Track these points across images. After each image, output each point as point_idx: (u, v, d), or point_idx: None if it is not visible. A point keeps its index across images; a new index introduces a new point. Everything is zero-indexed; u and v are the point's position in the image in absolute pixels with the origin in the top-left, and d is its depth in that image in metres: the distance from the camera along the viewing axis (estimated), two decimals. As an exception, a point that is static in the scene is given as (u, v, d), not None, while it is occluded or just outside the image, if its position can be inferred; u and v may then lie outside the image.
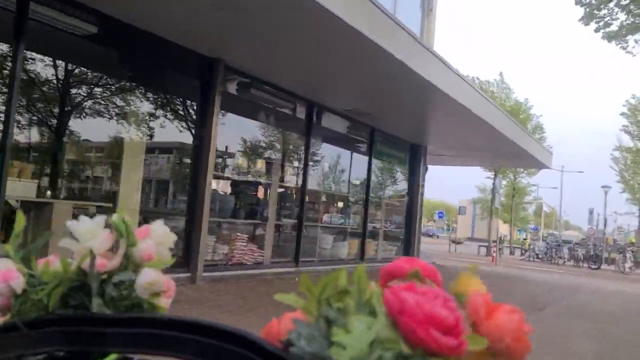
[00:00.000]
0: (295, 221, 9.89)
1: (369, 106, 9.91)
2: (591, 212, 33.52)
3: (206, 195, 7.23)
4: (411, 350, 0.37)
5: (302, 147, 9.97)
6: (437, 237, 38.70)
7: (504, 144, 12.30)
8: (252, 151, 9.50)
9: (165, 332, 0.43)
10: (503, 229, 58.41)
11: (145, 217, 7.06)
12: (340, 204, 12.36)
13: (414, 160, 14.07)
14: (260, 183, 9.84)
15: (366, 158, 12.16)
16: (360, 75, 7.87)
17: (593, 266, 23.41)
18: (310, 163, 9.39)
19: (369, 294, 0.43)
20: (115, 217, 0.52)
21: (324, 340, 0.40)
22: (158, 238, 0.52)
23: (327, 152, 11.43)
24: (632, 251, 23.22)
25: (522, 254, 28.03)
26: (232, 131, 8.77)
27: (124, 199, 7.03)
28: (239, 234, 8.51)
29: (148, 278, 0.50)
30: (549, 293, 11.22)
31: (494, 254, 21.26)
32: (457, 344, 0.36)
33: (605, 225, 30.68)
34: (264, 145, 9.65)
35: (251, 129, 9.43)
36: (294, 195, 9.88)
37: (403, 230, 14.32)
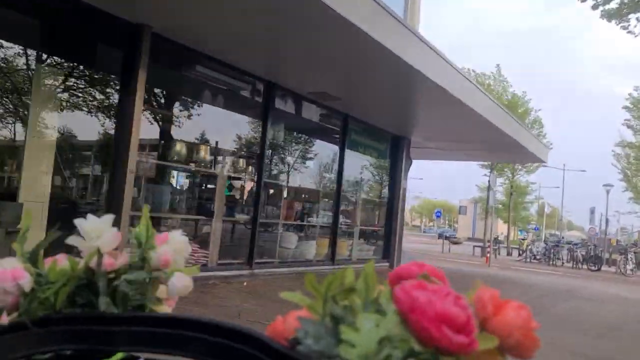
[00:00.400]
0: (248, 217, 9.15)
1: (340, 90, 9.31)
2: (592, 211, 34.91)
3: (127, 184, 6.45)
4: (422, 348, 0.38)
5: (258, 134, 9.22)
6: (451, 237, 37.41)
7: (495, 136, 11.92)
8: (193, 136, 8.73)
9: (172, 330, 0.44)
10: (503, 228, 56.98)
11: (54, 210, 6.33)
12: (308, 199, 11.62)
13: (396, 152, 13.48)
14: (203, 173, 8.98)
15: (338, 148, 11.51)
16: (327, 54, 7.45)
17: (593, 268, 23.00)
18: (268, 152, 7.97)
19: (377, 292, 0.43)
20: (142, 219, 0.54)
21: (331, 338, 0.40)
22: (175, 245, 0.55)
23: (290, 140, 10.90)
24: (635, 252, 22.99)
25: (519, 255, 27.92)
26: (166, 112, 8.33)
27: (27, 189, 6.19)
28: (174, 230, 6.53)
29: (184, 281, 0.53)
30: (539, 299, 10.04)
31: (488, 255, 21.04)
32: (468, 342, 0.38)
33: (607, 225, 31.89)
34: (209, 129, 8.88)
35: (192, 110, 8.89)
36: (248, 189, 8.08)
37: (383, 228, 13.62)
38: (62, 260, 0.50)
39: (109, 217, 0.52)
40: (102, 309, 0.48)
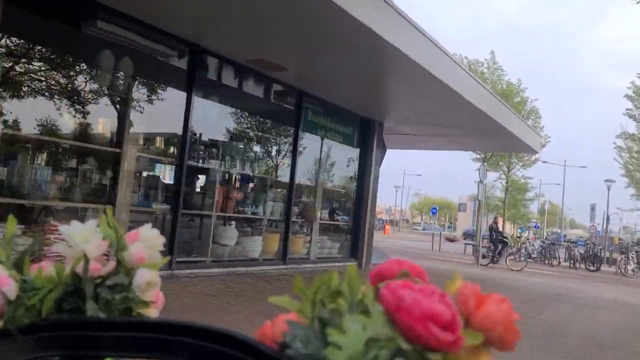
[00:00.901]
0: (167, 206, 7.86)
1: (286, 59, 8.25)
2: (593, 208, 35.10)
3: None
4: (410, 347, 0.39)
5: (181, 107, 7.88)
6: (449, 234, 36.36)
7: (480, 121, 11.08)
8: (93, 106, 7.34)
9: (160, 335, 0.45)
10: (504, 226, 55.30)
11: None
12: (253, 188, 10.29)
13: (365, 138, 12.44)
14: (104, 152, 7.50)
15: (292, 130, 10.42)
16: (266, 11, 6.35)
17: (591, 268, 22.14)
18: (193, 128, 6.28)
19: (360, 294, 0.44)
20: (102, 223, 0.54)
21: (319, 342, 0.41)
22: (148, 241, 0.55)
23: (225, 116, 9.58)
24: (637, 251, 22.27)
25: (515, 254, 24.05)
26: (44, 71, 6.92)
27: None
28: (58, 223, 6.21)
29: (146, 277, 0.53)
30: (522, 305, 8.56)
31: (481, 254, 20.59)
32: (455, 339, 0.38)
33: (607, 222, 31.88)
34: (115, 99, 7.53)
35: (87, 72, 7.41)
36: (168, 172, 6.42)
37: (350, 223, 12.46)
38: (47, 267, 0.51)
39: (94, 223, 0.53)
40: (89, 314, 0.49)
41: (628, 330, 8.39)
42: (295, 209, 10.43)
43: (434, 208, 53.37)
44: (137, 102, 7.62)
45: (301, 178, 10.67)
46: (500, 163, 30.39)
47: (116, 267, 0.52)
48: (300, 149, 10.22)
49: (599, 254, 22.77)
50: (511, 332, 0.41)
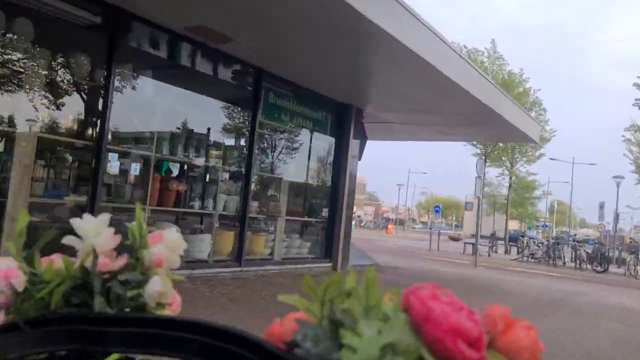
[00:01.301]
0: (84, 198, 6.60)
1: (235, 28, 7.08)
2: (602, 206, 33.78)
3: None
4: (433, 359, 0.39)
5: (100, 79, 6.80)
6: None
7: (471, 107, 10.14)
8: None
9: (168, 332, 0.45)
10: (513, 225, 54.69)
11: None
12: (198, 180, 9.02)
13: (342, 125, 11.36)
14: None
15: (247, 113, 9.28)
16: None
17: (598, 269, 21.13)
18: (114, 104, 4.88)
19: (378, 298, 0.44)
20: (132, 224, 0.56)
21: (330, 342, 0.41)
22: (170, 244, 0.56)
23: (163, 94, 8.29)
24: None
25: (517, 253, 25.79)
26: None
27: None
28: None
29: (158, 287, 0.53)
30: (516, 312, 5.98)
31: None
32: (479, 358, 0.39)
33: (616, 220, 31.23)
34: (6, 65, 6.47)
35: None
36: (81, 156, 5.09)
37: (324, 220, 11.29)
38: (57, 260, 0.53)
39: (106, 217, 0.55)
40: (96, 309, 0.50)
41: (631, 344, 7.11)
42: (255, 204, 9.18)
43: (437, 206, 52.08)
44: (42, 73, 6.39)
45: (262, 169, 9.42)
46: (503, 158, 29.00)
47: (134, 264, 0.54)
48: (258, 134, 8.98)
49: (606, 254, 21.54)
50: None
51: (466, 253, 24.25)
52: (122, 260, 0.53)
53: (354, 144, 11.61)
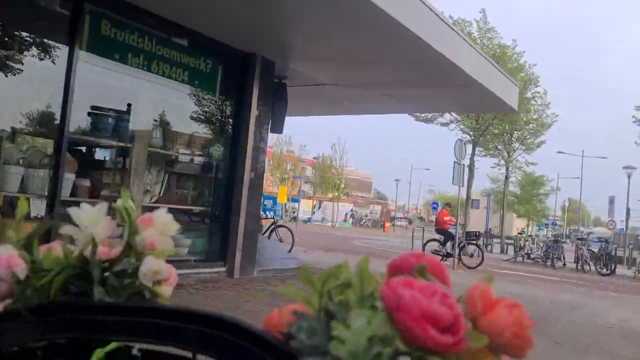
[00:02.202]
0: None
1: None
2: (612, 201, 30.66)
3: None
4: (408, 348, 0.39)
5: None
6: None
7: (425, 58, 7.68)
8: None
9: (166, 321, 0.45)
10: (521, 224, 52.28)
11: None
12: None
13: (240, 82, 8.28)
14: None
15: (58, 49, 6.37)
16: None
17: (603, 271, 18.11)
18: None
19: (372, 287, 0.44)
20: (118, 204, 0.55)
21: (324, 334, 0.41)
22: (161, 227, 0.56)
23: None
24: None
25: (515, 252, 22.63)
26: None
27: None
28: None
29: (151, 266, 0.53)
30: None
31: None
32: (455, 342, 0.38)
33: (627, 216, 27.29)
34: None
35: None
36: None
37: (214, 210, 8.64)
38: (57, 248, 0.53)
39: (104, 206, 0.55)
40: (96, 298, 0.51)
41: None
42: (84, 183, 6.28)
43: (435, 203, 48.94)
44: None
45: (82, 130, 6.48)
46: (500, 147, 25.61)
47: (126, 251, 0.54)
48: (77, 82, 6.03)
49: (613, 253, 18.21)
50: (522, 338, 0.41)
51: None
52: (119, 248, 0.53)
53: (261, 108, 8.69)
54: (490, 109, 16.31)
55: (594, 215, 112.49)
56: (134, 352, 0.51)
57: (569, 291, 12.73)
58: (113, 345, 0.48)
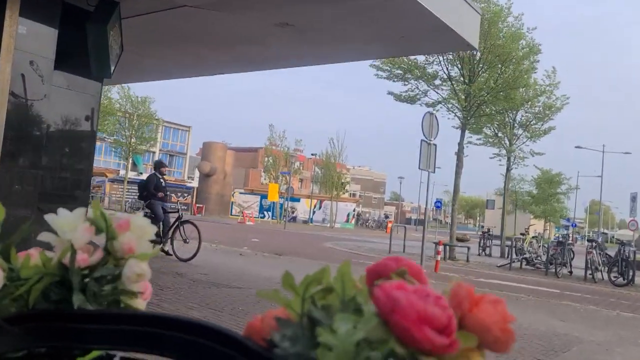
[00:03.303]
0: None
1: None
2: (634, 198, 25.77)
3: None
4: (403, 350, 0.38)
5: None
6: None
7: None
8: None
9: (148, 329, 0.45)
10: (538, 226, 46.59)
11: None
12: None
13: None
14: None
15: None
16: None
17: (618, 280, 14.29)
18: None
19: (353, 292, 0.44)
20: (92, 211, 0.54)
21: (308, 340, 0.41)
22: (138, 231, 0.54)
23: None
24: None
25: (516, 256, 18.67)
26: None
27: None
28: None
29: (136, 269, 0.52)
30: None
31: (439, 258, 14.64)
32: (449, 343, 0.38)
33: None
34: None
35: None
36: None
37: None
38: (35, 255, 0.52)
39: (81, 211, 0.54)
40: (76, 305, 0.49)
41: None
42: None
43: (438, 202, 45.24)
44: None
45: None
46: (501, 135, 21.68)
47: (105, 257, 0.53)
48: None
49: (631, 258, 14.38)
50: (506, 333, 0.40)
51: (444, 256, 18.21)
52: (99, 254, 0.53)
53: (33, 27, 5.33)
54: (436, 48, 10.50)
55: (619, 217, 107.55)
56: None
57: (565, 313, 9.22)
58: (95, 353, 0.47)
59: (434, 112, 15.11)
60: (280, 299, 0.42)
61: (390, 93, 20.06)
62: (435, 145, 13.36)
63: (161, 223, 11.10)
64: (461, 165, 19.23)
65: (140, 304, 0.53)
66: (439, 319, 0.36)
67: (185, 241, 11.05)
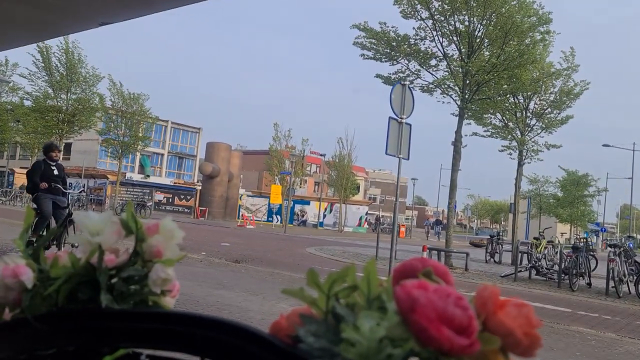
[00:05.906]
0: None
1: None
2: None
3: None
4: (422, 349, 0.38)
5: None
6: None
7: None
8: None
9: (175, 327, 0.45)
10: (564, 228, 47.36)
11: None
12: None
13: None
14: None
15: None
16: None
17: None
18: None
19: (378, 290, 0.45)
20: (124, 214, 0.55)
21: (332, 336, 0.41)
22: (167, 234, 0.55)
23: None
24: None
25: (519, 265, 15.70)
26: None
27: None
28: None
29: (162, 274, 0.53)
30: None
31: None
32: (469, 344, 0.37)
33: None
34: None
35: None
36: None
37: None
38: (63, 257, 0.53)
39: (109, 213, 0.55)
40: (103, 305, 0.50)
41: None
42: None
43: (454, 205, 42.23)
44: None
45: None
46: (512, 125, 18.49)
47: (134, 258, 0.54)
48: None
49: None
50: (530, 337, 0.40)
51: (440, 260, 14.62)
52: (126, 256, 0.54)
53: None
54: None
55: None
56: (142, 358, 0.49)
57: (570, 346, 6.37)
58: (121, 352, 0.47)
59: (406, 83, 11.78)
60: (305, 296, 0.42)
61: (378, 76, 16.79)
62: (409, 125, 10.76)
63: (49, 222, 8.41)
64: (459, 157, 16.26)
65: (168, 302, 0.54)
66: (459, 319, 0.36)
67: (73, 246, 8.43)
